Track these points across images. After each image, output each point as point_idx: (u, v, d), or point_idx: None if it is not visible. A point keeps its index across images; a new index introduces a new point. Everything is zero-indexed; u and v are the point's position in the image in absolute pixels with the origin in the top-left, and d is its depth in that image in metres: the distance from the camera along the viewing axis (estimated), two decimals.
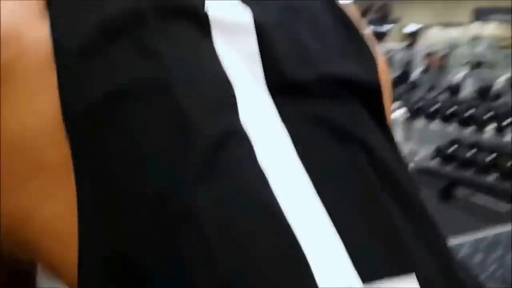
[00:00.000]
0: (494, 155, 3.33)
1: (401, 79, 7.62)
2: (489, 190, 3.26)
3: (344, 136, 0.34)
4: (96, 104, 0.29)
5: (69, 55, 0.30)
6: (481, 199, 3.28)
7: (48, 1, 0.31)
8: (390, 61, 9.70)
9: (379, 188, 0.33)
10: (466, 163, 3.46)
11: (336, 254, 0.29)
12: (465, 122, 3.72)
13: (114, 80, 0.30)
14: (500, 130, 3.45)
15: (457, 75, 7.65)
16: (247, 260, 0.27)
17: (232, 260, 0.27)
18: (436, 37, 9.72)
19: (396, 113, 3.72)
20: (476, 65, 7.70)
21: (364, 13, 10.58)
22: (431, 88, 5.65)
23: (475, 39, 8.05)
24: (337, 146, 0.33)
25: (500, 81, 7.73)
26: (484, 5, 9.33)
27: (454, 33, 9.77)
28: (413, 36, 9.28)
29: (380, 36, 10.06)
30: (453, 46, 9.58)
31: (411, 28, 9.86)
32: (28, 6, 0.32)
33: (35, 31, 0.31)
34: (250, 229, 0.28)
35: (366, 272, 0.29)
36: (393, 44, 10.01)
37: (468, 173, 3.45)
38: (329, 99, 0.35)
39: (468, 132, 3.71)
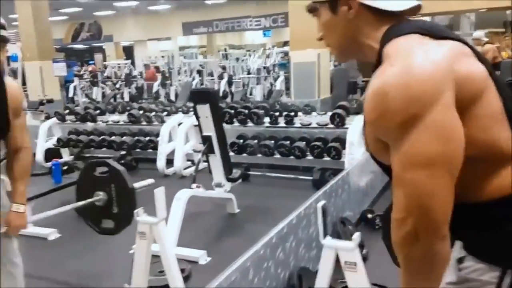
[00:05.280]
0: None
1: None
2: None
3: None
4: None
5: None
6: None
7: None
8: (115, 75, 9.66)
9: None
10: None
11: None
12: None
13: None
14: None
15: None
16: None
17: None
18: (150, 50, 10.26)
19: None
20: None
21: (77, 32, 10.23)
22: None
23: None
24: None
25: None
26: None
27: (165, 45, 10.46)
28: (128, 51, 9.55)
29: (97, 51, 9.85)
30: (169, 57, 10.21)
31: (125, 43, 10.13)
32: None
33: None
34: None
35: None
36: (113, 60, 10.05)
37: None
38: None
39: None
